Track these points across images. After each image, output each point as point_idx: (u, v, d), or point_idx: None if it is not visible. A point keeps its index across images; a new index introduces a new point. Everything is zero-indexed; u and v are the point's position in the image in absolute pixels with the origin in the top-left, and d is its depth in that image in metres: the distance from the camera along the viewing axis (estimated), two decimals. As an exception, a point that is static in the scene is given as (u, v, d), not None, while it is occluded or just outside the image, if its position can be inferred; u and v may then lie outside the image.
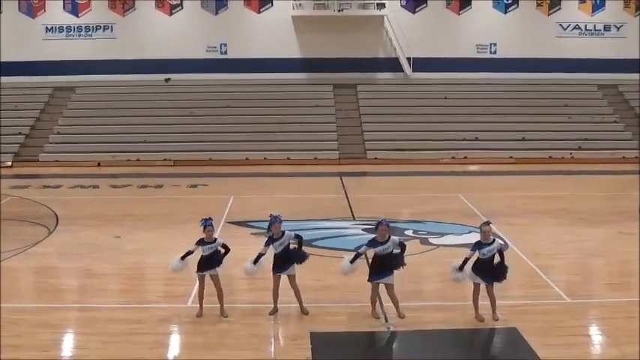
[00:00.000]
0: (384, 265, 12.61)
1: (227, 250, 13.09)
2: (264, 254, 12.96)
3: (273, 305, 13.12)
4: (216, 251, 12.90)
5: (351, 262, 12.84)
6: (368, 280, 12.86)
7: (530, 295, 14.29)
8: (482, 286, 12.61)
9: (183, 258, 12.95)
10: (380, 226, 12.62)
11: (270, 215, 13.10)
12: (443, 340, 12.05)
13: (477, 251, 12.44)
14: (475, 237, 13.23)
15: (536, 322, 12.54)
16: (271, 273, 13.12)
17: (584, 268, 16.71)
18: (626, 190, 25.96)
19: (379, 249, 12.59)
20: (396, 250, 12.78)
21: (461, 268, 12.52)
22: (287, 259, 12.94)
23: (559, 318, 12.89)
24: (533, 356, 11.12)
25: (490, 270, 12.51)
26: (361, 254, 12.93)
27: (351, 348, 11.74)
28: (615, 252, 17.60)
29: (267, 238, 13.02)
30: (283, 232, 12.93)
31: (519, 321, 12.58)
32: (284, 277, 13.04)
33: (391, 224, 12.98)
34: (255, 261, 12.90)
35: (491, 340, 12.41)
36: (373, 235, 13.03)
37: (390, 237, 12.65)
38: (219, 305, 13.02)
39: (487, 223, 12.64)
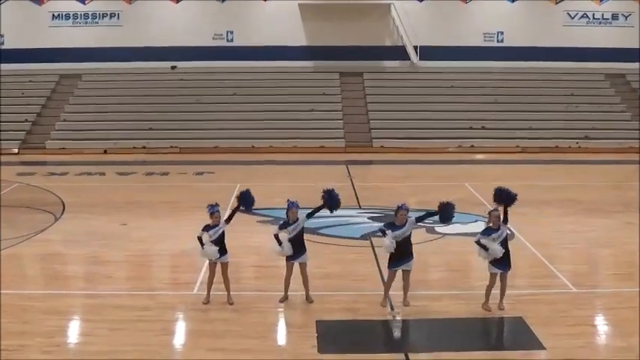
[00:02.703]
0: (403, 251, 12.58)
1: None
2: (277, 235, 12.93)
3: (283, 292, 13.13)
4: (222, 233, 12.90)
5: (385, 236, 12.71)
6: (388, 267, 12.81)
7: (537, 284, 14.30)
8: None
9: (203, 245, 12.81)
10: (400, 210, 12.62)
11: (288, 200, 13.08)
12: (448, 329, 12.05)
13: (486, 236, 12.41)
14: (481, 226, 13.22)
15: (542, 312, 12.54)
16: (280, 260, 13.12)
17: (590, 258, 16.70)
18: (632, 180, 25.89)
19: (397, 233, 12.55)
20: (415, 226, 12.76)
21: (486, 249, 12.41)
22: (300, 245, 12.93)
23: (565, 308, 12.88)
24: (538, 345, 11.12)
25: (506, 257, 12.48)
26: (384, 232, 12.75)
27: (356, 336, 11.75)
28: (622, 242, 17.54)
29: (281, 222, 13.01)
30: (297, 218, 12.94)
31: (525, 310, 12.57)
32: (296, 265, 13.05)
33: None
34: (279, 243, 12.86)
35: (497, 330, 12.42)
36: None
37: (407, 220, 12.64)
38: (225, 293, 13.03)
39: (496, 209, 12.61)
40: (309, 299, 13.10)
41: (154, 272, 15.75)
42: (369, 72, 39.60)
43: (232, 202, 20.71)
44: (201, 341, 11.43)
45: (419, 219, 12.77)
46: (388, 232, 12.58)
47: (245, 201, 13.10)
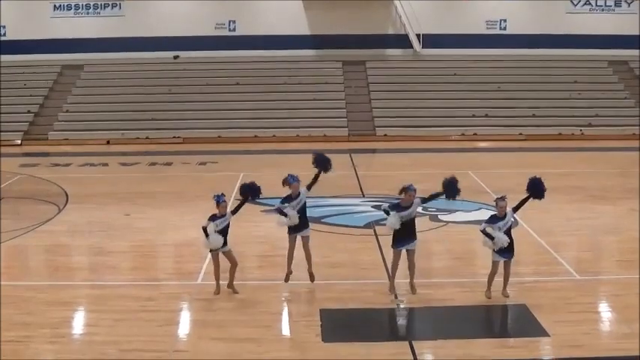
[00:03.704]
0: (407, 231, 12.50)
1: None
2: (280, 208, 12.84)
3: (286, 270, 13.05)
4: (228, 224, 12.85)
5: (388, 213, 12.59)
6: (392, 247, 12.71)
7: (540, 271, 14.29)
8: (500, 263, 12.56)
9: (207, 236, 12.64)
10: (408, 191, 12.47)
11: (288, 175, 13.04)
12: (452, 317, 12.06)
13: (492, 225, 12.37)
14: (485, 214, 13.19)
15: (545, 299, 12.54)
16: (283, 241, 13.10)
17: (594, 245, 16.70)
18: (636, 167, 25.82)
19: (404, 214, 12.44)
20: (420, 208, 12.65)
21: (492, 238, 12.32)
22: (302, 219, 12.86)
23: (569, 295, 12.87)
24: (542, 332, 11.13)
25: (510, 245, 12.44)
26: (388, 213, 12.62)
27: (361, 325, 11.76)
28: (626, 229, 17.48)
29: (284, 197, 12.95)
30: (299, 192, 12.87)
31: (529, 298, 12.57)
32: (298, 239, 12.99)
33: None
34: (285, 215, 12.75)
35: (501, 317, 12.42)
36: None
37: (413, 202, 12.53)
38: (229, 282, 13.02)
39: (503, 198, 12.52)
40: (311, 277, 13.06)
41: (158, 262, 15.78)
42: (372, 60, 39.47)
43: (235, 193, 20.72)
44: (206, 331, 11.45)
45: (424, 200, 12.69)
46: (392, 212, 12.49)
47: (251, 193, 13.01)
